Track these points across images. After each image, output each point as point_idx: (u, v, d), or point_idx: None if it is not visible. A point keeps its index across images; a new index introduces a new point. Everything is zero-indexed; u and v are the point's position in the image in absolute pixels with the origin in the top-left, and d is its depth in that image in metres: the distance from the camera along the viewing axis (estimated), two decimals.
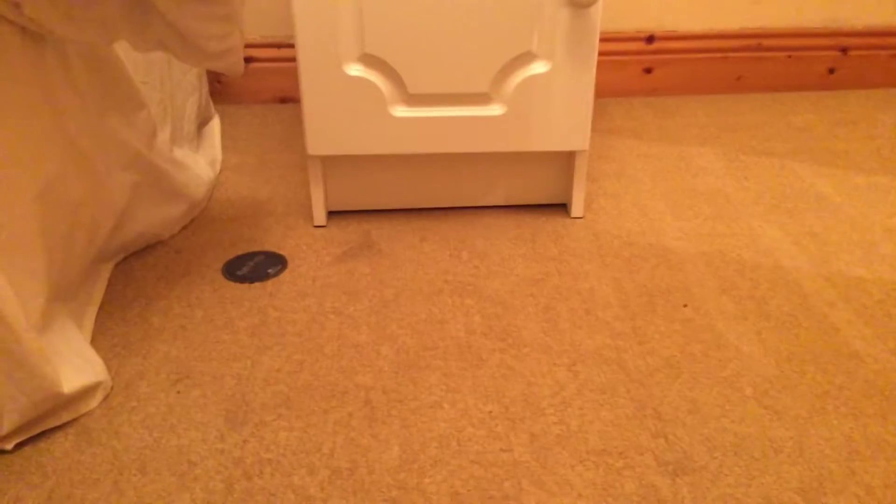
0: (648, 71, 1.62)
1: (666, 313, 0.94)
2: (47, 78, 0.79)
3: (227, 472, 0.72)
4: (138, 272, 1.02)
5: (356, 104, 1.03)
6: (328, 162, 1.12)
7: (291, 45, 1.54)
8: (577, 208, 1.15)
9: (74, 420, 0.77)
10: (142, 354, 0.87)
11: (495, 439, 0.75)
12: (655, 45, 1.60)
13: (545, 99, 1.05)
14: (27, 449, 0.74)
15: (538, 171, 1.16)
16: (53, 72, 0.80)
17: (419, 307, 0.95)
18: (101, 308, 0.94)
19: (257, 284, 0.99)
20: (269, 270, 1.02)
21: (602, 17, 1.01)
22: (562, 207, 1.18)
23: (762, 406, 0.79)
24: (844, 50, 1.65)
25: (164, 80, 1.11)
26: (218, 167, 1.29)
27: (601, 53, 1.58)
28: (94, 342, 0.88)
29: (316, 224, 1.13)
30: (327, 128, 1.05)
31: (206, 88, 1.40)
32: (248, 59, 1.54)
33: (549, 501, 0.69)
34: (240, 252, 1.06)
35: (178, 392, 0.81)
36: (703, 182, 1.26)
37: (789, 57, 1.64)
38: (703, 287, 0.99)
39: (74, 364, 0.78)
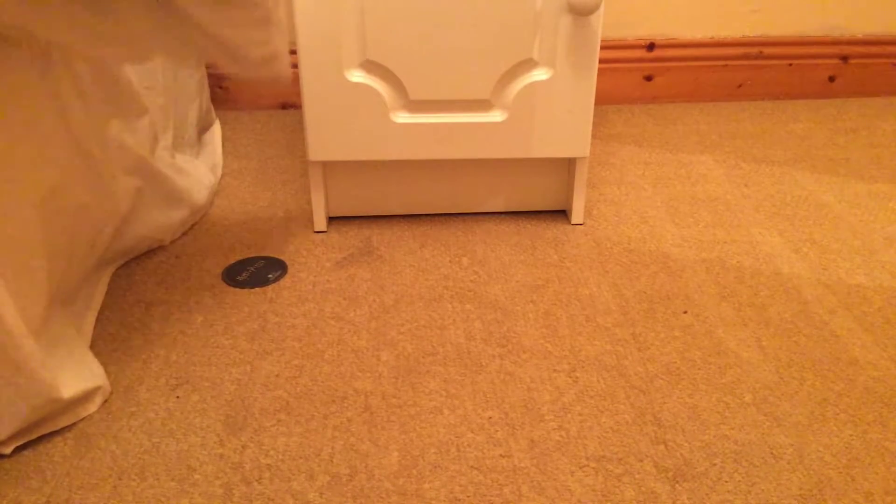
0: (649, 78, 1.62)
1: (666, 320, 0.94)
2: (51, 83, 0.79)
3: (226, 478, 0.71)
4: (138, 277, 1.02)
5: (357, 110, 1.03)
6: (329, 168, 1.12)
7: (293, 52, 1.55)
8: (577, 215, 1.15)
9: (73, 425, 0.77)
10: (141, 359, 0.87)
11: (495, 445, 0.75)
12: (656, 53, 1.60)
13: (546, 106, 1.05)
14: (26, 453, 0.74)
15: (539, 178, 1.16)
16: (58, 77, 0.80)
17: (419, 313, 0.95)
18: (100, 313, 0.94)
19: (257, 290, 0.99)
20: (270, 276, 1.02)
21: (603, 25, 1.02)
22: (562, 214, 1.18)
23: (762, 413, 0.79)
24: (845, 58, 1.65)
25: (166, 86, 1.11)
26: (219, 173, 1.29)
27: (602, 61, 1.58)
28: (93, 347, 0.88)
29: (316, 230, 1.13)
30: (328, 133, 1.05)
31: (207, 94, 1.41)
32: None
33: None
34: (240, 257, 1.06)
35: (178, 397, 0.81)
36: (703, 189, 1.27)
37: (790, 65, 1.64)
38: (703, 294, 0.99)
39: (74, 369, 0.78)
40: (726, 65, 1.63)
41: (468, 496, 0.70)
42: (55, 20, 0.70)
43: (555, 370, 0.85)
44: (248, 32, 0.82)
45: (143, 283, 1.01)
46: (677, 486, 0.71)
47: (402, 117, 1.05)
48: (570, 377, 0.84)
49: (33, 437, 0.75)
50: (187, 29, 0.79)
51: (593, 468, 0.73)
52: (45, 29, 0.70)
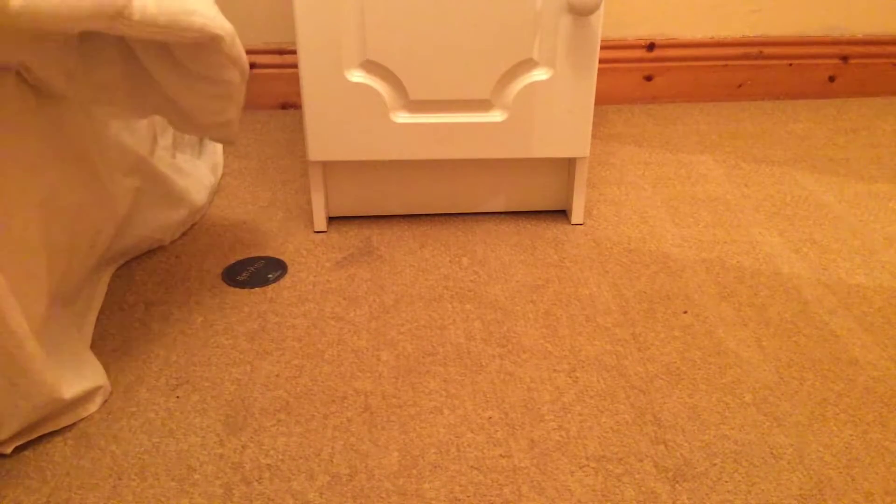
0: (649, 78, 1.62)
1: (666, 320, 0.94)
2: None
3: (226, 478, 0.71)
4: (138, 277, 1.02)
5: (357, 110, 1.03)
6: (329, 167, 1.12)
7: (293, 52, 1.55)
8: (577, 215, 1.15)
9: (74, 424, 0.77)
10: (141, 359, 0.87)
11: (495, 445, 0.75)
12: (656, 53, 1.60)
13: (546, 106, 1.05)
14: (27, 453, 0.74)
15: (539, 178, 1.16)
16: None
17: (419, 313, 0.95)
18: (100, 313, 0.94)
19: (257, 290, 0.99)
20: (270, 276, 1.02)
21: (603, 25, 1.02)
22: (562, 214, 1.18)
23: (762, 413, 0.79)
24: (845, 58, 1.65)
25: None
26: (219, 173, 1.29)
27: (602, 61, 1.58)
28: (93, 347, 0.88)
29: (316, 229, 1.13)
30: (328, 133, 1.05)
31: None
32: (249, 65, 1.55)
33: None
34: (240, 257, 1.06)
35: (178, 397, 0.81)
36: (703, 189, 1.27)
37: (790, 65, 1.64)
38: (703, 294, 0.99)
39: (74, 369, 0.78)
40: (726, 65, 1.63)
41: (468, 496, 0.70)
42: (48, 59, 0.72)
43: (555, 370, 0.85)
44: (208, 103, 0.85)
45: (144, 283, 1.01)
46: (677, 486, 0.71)
47: (402, 117, 1.05)
48: (570, 377, 0.84)
49: (34, 436, 0.75)
50: (149, 88, 0.81)
51: (593, 468, 0.73)
52: (39, 66, 0.72)
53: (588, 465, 0.73)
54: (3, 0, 0.55)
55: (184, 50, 0.78)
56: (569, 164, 1.15)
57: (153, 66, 0.80)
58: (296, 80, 1.56)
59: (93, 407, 0.79)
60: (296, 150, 1.41)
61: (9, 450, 0.73)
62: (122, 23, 0.66)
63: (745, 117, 1.57)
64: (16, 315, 0.68)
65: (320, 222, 1.13)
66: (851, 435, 0.77)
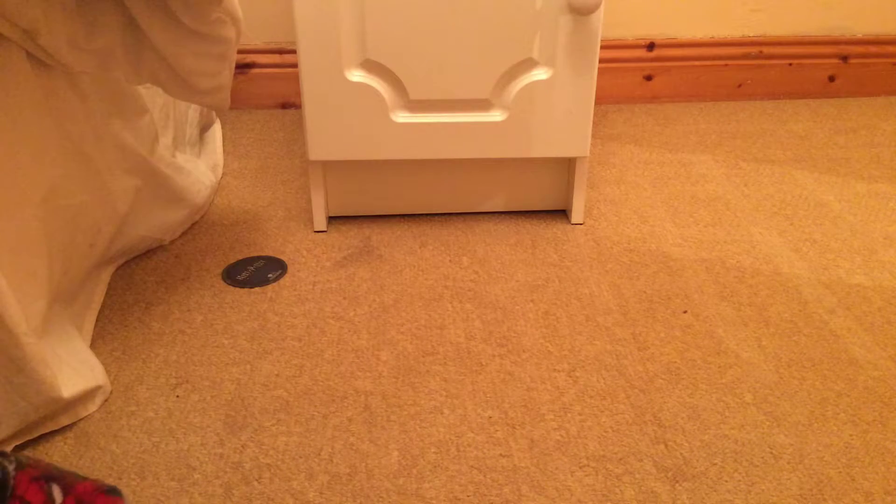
0: (649, 78, 1.62)
1: (666, 319, 0.94)
2: (50, 82, 0.79)
3: (225, 477, 0.71)
4: (138, 276, 1.02)
5: (357, 110, 1.03)
6: (329, 167, 1.12)
7: (293, 51, 1.55)
8: (577, 214, 1.15)
9: (73, 424, 0.77)
10: (141, 359, 0.87)
11: (495, 445, 0.75)
12: (656, 53, 1.60)
13: (546, 105, 1.05)
14: (26, 453, 0.74)
15: (538, 178, 1.16)
16: (57, 76, 0.80)
17: (419, 312, 0.95)
18: (100, 312, 0.94)
19: (257, 289, 0.99)
20: (269, 275, 1.02)
21: (603, 25, 1.01)
22: (562, 214, 1.18)
23: (762, 412, 0.79)
24: (845, 58, 1.65)
25: None
26: (220, 172, 1.29)
27: (602, 60, 1.58)
28: (93, 346, 0.88)
29: (316, 229, 1.13)
30: (328, 133, 1.05)
31: None
32: (249, 65, 1.55)
33: None
34: (240, 257, 1.06)
35: (178, 396, 0.81)
36: (703, 189, 1.27)
37: (790, 65, 1.64)
38: (703, 293, 0.99)
39: (74, 368, 0.78)
40: (726, 65, 1.63)
41: (468, 496, 0.70)
42: (53, 23, 0.71)
43: (555, 370, 0.85)
44: (203, 64, 0.85)
45: (143, 282, 1.01)
46: (677, 485, 0.71)
47: (402, 117, 1.05)
48: (570, 377, 0.84)
49: (33, 436, 0.75)
50: (145, 51, 0.81)
51: (593, 468, 0.73)
52: (45, 31, 0.71)
53: (588, 465, 0.73)
54: None
55: (184, 6, 0.78)
56: (569, 164, 1.15)
57: (152, 29, 0.79)
58: (296, 80, 1.56)
59: (92, 406, 0.79)
60: (296, 150, 1.41)
61: (9, 449, 0.73)
62: None
63: (744, 117, 1.57)
64: (15, 314, 0.68)
65: (320, 222, 1.13)
66: (851, 435, 0.77)
